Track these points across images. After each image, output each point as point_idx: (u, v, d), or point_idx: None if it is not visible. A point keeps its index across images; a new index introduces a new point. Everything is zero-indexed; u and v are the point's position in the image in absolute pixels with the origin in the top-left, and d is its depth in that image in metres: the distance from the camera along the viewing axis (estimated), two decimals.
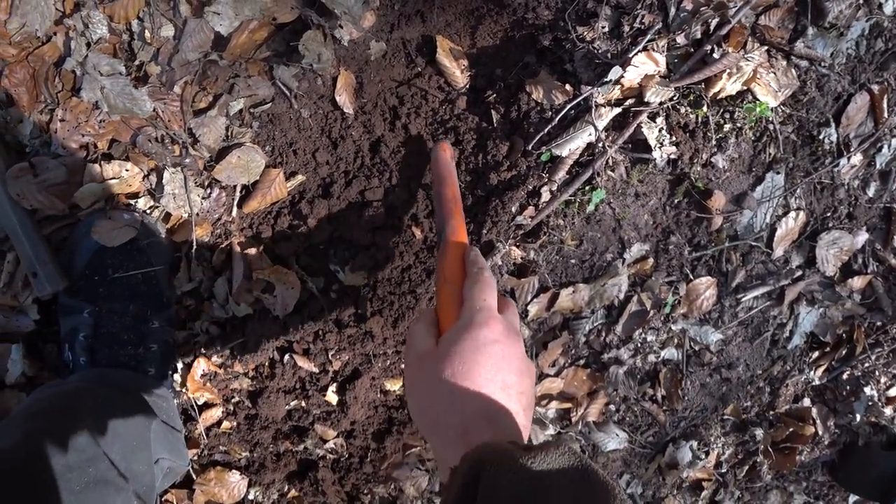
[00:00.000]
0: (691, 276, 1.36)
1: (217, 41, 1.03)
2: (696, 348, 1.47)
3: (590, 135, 1.11)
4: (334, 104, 1.13)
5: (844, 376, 1.64)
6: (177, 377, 1.18)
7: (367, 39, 1.10)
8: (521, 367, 0.70)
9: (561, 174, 1.15)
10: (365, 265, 1.16)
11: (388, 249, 1.16)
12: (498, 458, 0.54)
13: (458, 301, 0.77)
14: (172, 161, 1.07)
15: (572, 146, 1.12)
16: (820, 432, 1.66)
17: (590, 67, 1.11)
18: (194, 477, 1.24)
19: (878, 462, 1.69)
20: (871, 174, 1.37)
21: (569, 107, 1.09)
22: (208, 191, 1.11)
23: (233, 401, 1.24)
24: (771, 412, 1.63)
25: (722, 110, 1.18)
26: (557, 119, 1.09)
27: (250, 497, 1.31)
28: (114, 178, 1.04)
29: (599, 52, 1.09)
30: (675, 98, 1.12)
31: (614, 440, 1.50)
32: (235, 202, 1.13)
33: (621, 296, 1.33)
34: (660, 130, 1.15)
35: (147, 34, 1.01)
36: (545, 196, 1.16)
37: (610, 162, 1.16)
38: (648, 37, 1.07)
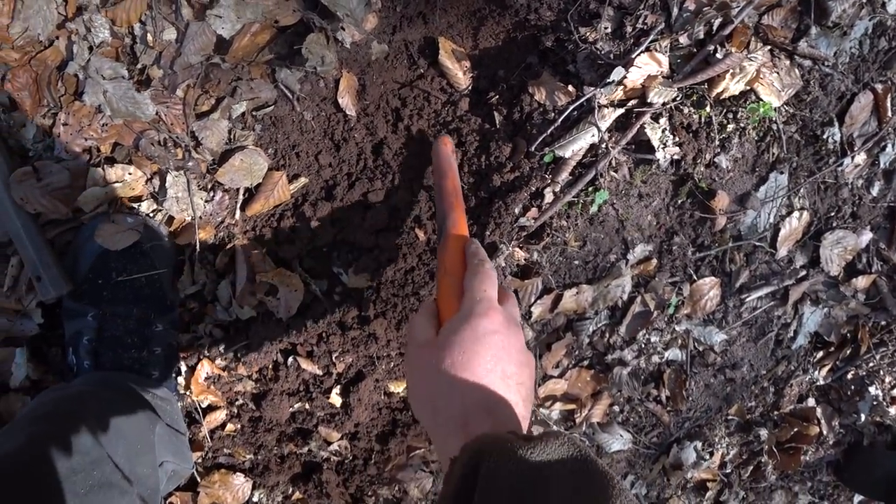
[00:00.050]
0: (695, 277, 1.36)
1: (219, 44, 1.03)
2: (700, 349, 1.47)
3: (593, 136, 1.11)
4: (337, 106, 1.13)
5: (849, 376, 1.64)
6: (181, 380, 1.18)
7: (369, 41, 1.10)
8: (520, 359, 0.71)
9: (564, 175, 1.14)
10: (368, 267, 1.16)
11: (392, 251, 1.15)
12: (497, 448, 0.54)
13: (458, 293, 0.78)
14: (175, 164, 1.07)
15: (575, 147, 1.11)
16: (824, 432, 1.66)
17: (592, 68, 1.10)
18: (198, 479, 1.24)
19: (883, 462, 1.68)
20: (874, 173, 1.37)
21: (572, 108, 1.09)
22: (211, 194, 1.11)
23: (237, 403, 1.24)
24: (775, 412, 1.62)
25: (725, 110, 1.18)
26: (560, 120, 1.09)
27: (254, 499, 1.31)
28: (117, 181, 1.04)
29: (602, 52, 1.08)
30: (678, 98, 1.12)
31: (618, 441, 1.50)
32: (238, 205, 1.13)
33: (625, 297, 1.33)
34: (663, 131, 1.15)
35: (149, 38, 1.01)
36: (548, 197, 1.15)
37: (613, 163, 1.16)
38: (651, 37, 1.07)
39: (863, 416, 1.66)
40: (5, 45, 0.97)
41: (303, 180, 1.14)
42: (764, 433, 1.61)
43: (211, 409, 1.23)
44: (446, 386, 0.67)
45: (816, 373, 1.60)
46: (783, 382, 1.59)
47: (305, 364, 1.21)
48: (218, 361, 1.18)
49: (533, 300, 1.28)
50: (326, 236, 1.16)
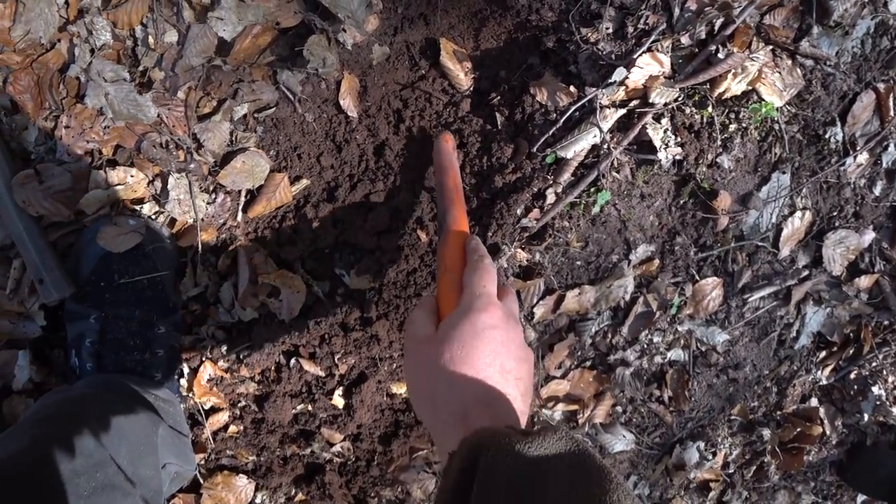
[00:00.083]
0: (697, 277, 1.36)
1: (221, 46, 1.03)
2: (703, 349, 1.47)
3: (595, 136, 1.11)
4: (338, 108, 1.13)
5: (852, 376, 1.63)
6: (183, 382, 1.18)
7: (370, 43, 1.10)
8: (519, 354, 0.71)
9: (566, 176, 1.14)
10: (370, 269, 1.16)
11: (394, 253, 1.15)
12: (496, 443, 0.54)
13: (458, 288, 0.78)
14: (177, 166, 1.07)
15: (577, 148, 1.11)
16: (827, 432, 1.66)
17: (594, 69, 1.10)
18: (201, 481, 1.24)
19: (887, 461, 1.68)
20: (877, 173, 1.36)
21: (573, 108, 1.08)
22: (213, 196, 1.11)
23: (239, 405, 1.24)
24: (778, 412, 1.62)
25: (727, 110, 1.17)
26: (562, 121, 1.09)
27: (257, 501, 1.31)
28: (119, 184, 1.04)
29: (604, 53, 1.08)
30: (679, 99, 1.12)
31: (621, 441, 1.50)
32: (240, 207, 1.13)
33: (627, 297, 1.33)
34: (665, 131, 1.14)
35: (150, 40, 1.01)
36: (550, 198, 1.15)
37: (615, 163, 1.15)
38: (653, 37, 1.07)
39: (866, 416, 1.65)
40: (7, 48, 0.97)
41: (304, 182, 1.14)
42: (767, 433, 1.60)
43: (213, 410, 1.23)
44: (445, 380, 0.67)
45: (819, 373, 1.60)
46: (786, 382, 1.58)
47: (308, 366, 1.21)
48: (220, 363, 1.19)
49: (535, 301, 1.28)
50: (328, 238, 1.16)
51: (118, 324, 1.04)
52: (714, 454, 1.60)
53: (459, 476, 0.54)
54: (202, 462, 1.26)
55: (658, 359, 1.44)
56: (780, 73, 1.15)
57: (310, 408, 1.26)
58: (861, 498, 1.84)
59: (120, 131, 1.04)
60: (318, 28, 1.04)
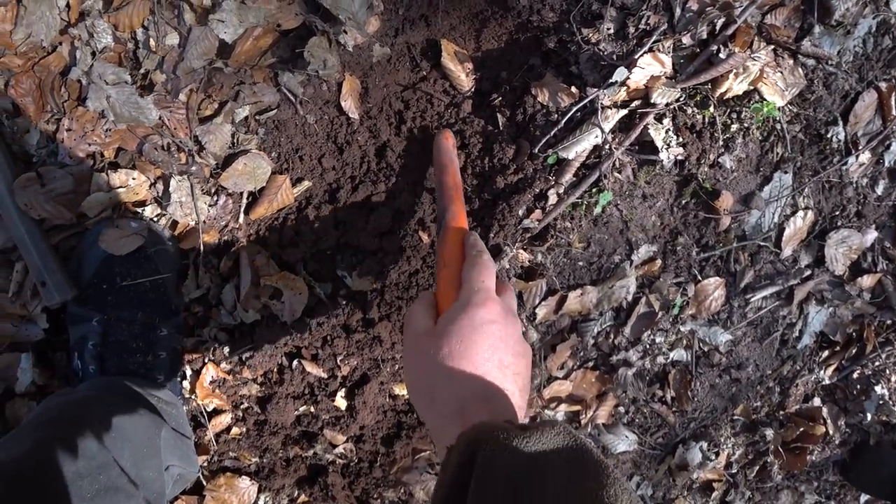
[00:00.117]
0: (699, 277, 1.36)
1: (222, 48, 1.04)
2: (706, 349, 1.47)
3: (596, 137, 1.11)
4: (340, 109, 1.13)
5: (855, 375, 1.63)
6: (186, 384, 1.18)
7: (371, 44, 1.10)
8: (517, 349, 0.71)
9: (568, 177, 1.14)
10: (372, 270, 1.16)
11: (396, 254, 1.15)
12: (494, 437, 0.54)
13: (456, 284, 0.78)
14: (179, 169, 1.07)
15: (579, 148, 1.11)
16: (830, 432, 1.65)
17: (595, 69, 1.10)
18: (204, 483, 1.24)
19: (890, 461, 1.68)
20: (879, 172, 1.36)
21: (575, 109, 1.08)
22: (215, 198, 1.11)
23: (242, 407, 1.24)
24: (781, 412, 1.62)
25: (729, 110, 1.17)
26: (563, 121, 1.09)
27: (260, 503, 1.31)
28: (121, 186, 1.04)
29: (605, 53, 1.08)
30: (681, 99, 1.12)
31: (624, 442, 1.50)
32: (242, 209, 1.13)
33: (629, 297, 1.33)
34: (666, 131, 1.14)
35: (152, 42, 1.01)
36: (552, 199, 1.15)
37: (617, 164, 1.15)
38: (654, 38, 1.06)
39: (869, 416, 1.65)
40: (8, 51, 0.97)
41: (306, 184, 1.15)
42: (770, 433, 1.60)
43: (216, 412, 1.23)
44: (443, 374, 0.67)
45: (822, 372, 1.60)
46: (789, 382, 1.58)
47: (310, 367, 1.21)
48: (223, 365, 1.19)
49: (537, 302, 1.28)
50: (330, 239, 1.16)
51: (120, 326, 1.04)
52: (717, 454, 1.59)
53: (457, 470, 0.54)
54: (205, 464, 1.26)
55: (660, 359, 1.44)
56: (781, 72, 1.15)
57: (312, 409, 1.26)
58: (864, 497, 1.84)
59: (121, 134, 1.04)
60: (319, 30, 1.04)
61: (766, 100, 1.16)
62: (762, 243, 1.35)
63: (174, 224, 1.10)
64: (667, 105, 1.11)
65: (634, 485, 1.59)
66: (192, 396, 1.18)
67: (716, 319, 1.44)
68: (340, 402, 1.25)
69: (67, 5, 0.98)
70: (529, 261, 1.24)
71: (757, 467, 1.66)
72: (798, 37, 1.16)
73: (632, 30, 1.08)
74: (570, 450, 0.54)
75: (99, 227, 1.03)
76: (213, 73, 1.05)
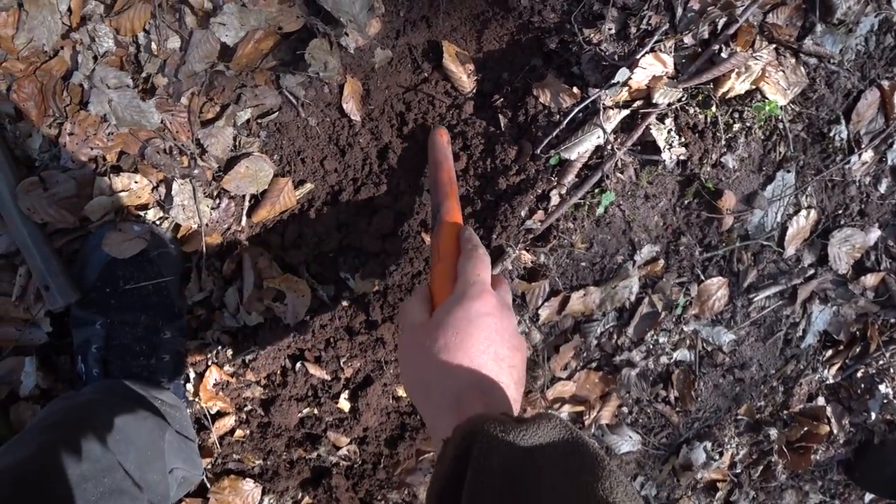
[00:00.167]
0: (702, 277, 1.35)
1: (223, 51, 1.04)
2: (709, 349, 1.46)
3: (598, 137, 1.10)
4: (341, 112, 1.13)
5: (859, 374, 1.63)
6: (189, 387, 1.18)
7: (372, 46, 1.10)
8: (513, 342, 0.71)
9: (570, 177, 1.14)
10: (375, 272, 1.16)
11: (398, 256, 1.15)
12: (490, 430, 0.54)
13: (451, 278, 0.78)
14: (181, 172, 1.07)
15: (581, 149, 1.11)
16: (835, 431, 1.65)
17: (597, 70, 1.10)
18: (208, 486, 1.25)
19: (894, 460, 1.67)
20: (882, 170, 1.36)
21: (577, 110, 1.08)
22: (217, 201, 1.11)
23: (245, 409, 1.24)
24: (785, 411, 1.62)
25: (731, 110, 1.17)
26: (565, 122, 1.09)
27: None
28: (123, 190, 1.04)
29: (606, 54, 1.08)
30: (683, 99, 1.12)
31: (628, 442, 1.49)
32: (245, 212, 1.13)
33: (632, 298, 1.33)
34: (669, 131, 1.14)
35: (153, 46, 1.02)
36: (554, 200, 1.15)
37: (619, 164, 1.15)
38: (655, 38, 1.06)
39: (873, 415, 1.65)
40: (10, 55, 0.97)
41: (308, 186, 1.15)
42: (774, 433, 1.60)
43: (220, 415, 1.23)
44: (439, 366, 0.67)
45: (826, 371, 1.59)
46: (792, 382, 1.58)
47: (313, 369, 1.21)
48: (226, 368, 1.19)
49: (540, 302, 1.28)
50: (333, 242, 1.16)
51: (124, 329, 1.04)
52: (721, 454, 1.59)
53: (453, 463, 0.54)
54: (209, 466, 1.26)
55: (664, 359, 1.44)
56: (783, 71, 1.15)
57: (316, 411, 1.26)
58: (869, 497, 1.83)
59: (124, 137, 1.04)
60: (321, 32, 1.04)
61: (768, 99, 1.15)
62: (765, 243, 1.35)
63: (177, 227, 1.11)
64: (669, 105, 1.11)
65: (638, 485, 1.59)
66: (196, 399, 1.18)
67: (719, 319, 1.44)
68: (344, 404, 1.25)
69: (69, 10, 0.98)
70: (532, 262, 1.24)
71: (761, 467, 1.66)
72: (800, 35, 1.16)
73: (633, 30, 1.08)
74: (565, 443, 0.54)
75: (102, 231, 1.03)
76: (214, 77, 1.05)
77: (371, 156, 1.16)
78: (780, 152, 1.26)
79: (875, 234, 1.41)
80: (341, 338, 1.18)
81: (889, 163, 1.34)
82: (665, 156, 1.14)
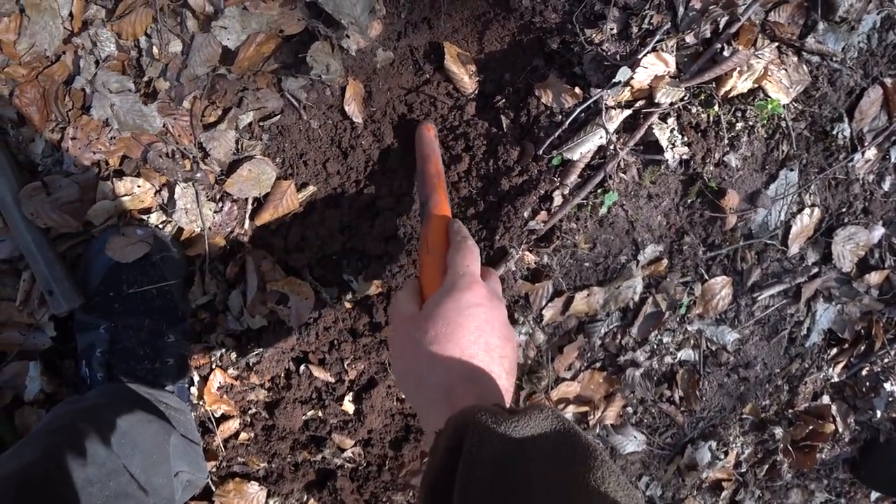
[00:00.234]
0: (706, 276, 1.35)
1: (225, 55, 1.04)
2: (713, 348, 1.46)
3: (601, 137, 1.10)
4: (343, 114, 1.13)
5: (864, 372, 1.62)
6: (194, 390, 1.18)
7: (374, 48, 1.10)
8: (504, 332, 0.71)
9: (573, 178, 1.14)
10: (378, 274, 1.16)
11: (401, 258, 1.15)
12: (481, 422, 0.54)
13: (441, 270, 0.78)
14: (184, 176, 1.07)
15: (583, 149, 1.11)
16: (840, 429, 1.65)
17: (599, 70, 1.10)
18: (213, 489, 1.25)
19: None
20: (885, 168, 1.35)
21: (579, 110, 1.08)
22: (220, 204, 1.11)
23: (250, 412, 1.24)
24: (790, 410, 1.61)
25: (733, 109, 1.17)
26: (568, 122, 1.09)
27: None
28: (126, 194, 1.04)
29: (608, 54, 1.08)
30: (685, 98, 1.12)
31: (632, 442, 1.49)
32: (247, 215, 1.13)
33: (636, 298, 1.33)
34: (671, 131, 1.14)
35: (155, 50, 1.02)
36: (557, 200, 1.15)
37: (622, 164, 1.15)
38: (657, 37, 1.06)
39: (878, 413, 1.64)
40: (12, 61, 0.97)
41: (311, 188, 1.15)
42: (779, 432, 1.59)
43: (224, 418, 1.23)
44: (430, 358, 0.67)
45: (831, 370, 1.59)
46: (797, 380, 1.58)
47: (317, 372, 1.21)
48: (230, 371, 1.19)
49: (544, 303, 1.27)
50: (336, 244, 1.16)
51: (128, 333, 1.04)
52: (726, 453, 1.59)
53: (445, 455, 0.54)
54: (214, 469, 1.26)
55: (668, 359, 1.44)
56: (786, 69, 1.15)
57: (320, 414, 1.26)
58: (875, 495, 1.83)
59: (126, 142, 1.04)
60: (322, 35, 1.04)
61: (770, 97, 1.15)
62: (769, 241, 1.34)
63: (180, 231, 1.11)
64: (671, 104, 1.10)
65: (643, 485, 1.59)
66: (201, 402, 1.18)
67: (723, 318, 1.43)
68: (348, 406, 1.25)
69: (70, 14, 0.98)
70: (535, 262, 1.24)
71: (766, 466, 1.65)
72: (802, 34, 1.16)
73: (635, 30, 1.08)
74: (557, 433, 0.55)
75: (105, 235, 1.03)
76: (216, 80, 1.05)
77: (373, 158, 1.16)
78: (782, 151, 1.25)
79: (879, 231, 1.40)
80: (345, 340, 1.18)
81: (892, 160, 1.34)
82: (668, 155, 1.14)
